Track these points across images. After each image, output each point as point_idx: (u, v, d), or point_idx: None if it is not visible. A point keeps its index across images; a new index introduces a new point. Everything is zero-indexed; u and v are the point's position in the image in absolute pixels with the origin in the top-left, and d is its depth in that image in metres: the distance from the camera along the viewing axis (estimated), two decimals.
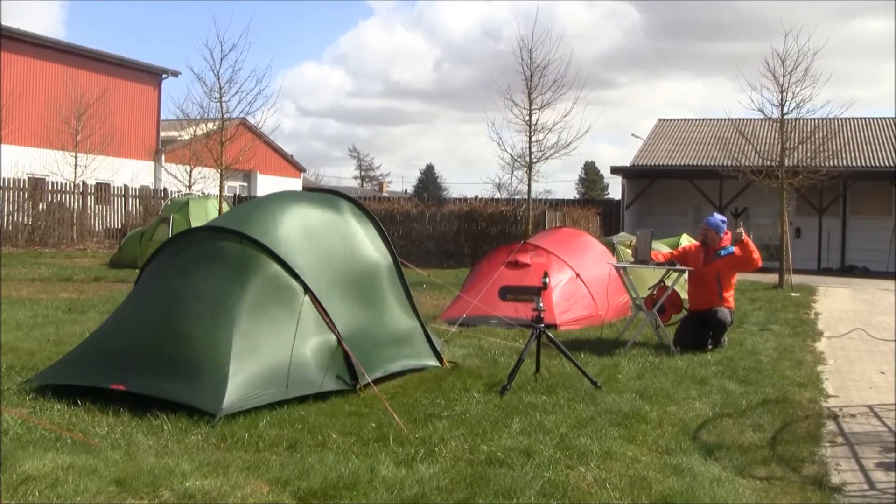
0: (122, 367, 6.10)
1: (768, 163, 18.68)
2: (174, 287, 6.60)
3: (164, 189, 30.79)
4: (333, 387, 6.34)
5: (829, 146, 19.60)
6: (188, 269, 6.69)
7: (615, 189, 76.30)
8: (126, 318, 6.75)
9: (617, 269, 10.10)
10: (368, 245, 7.54)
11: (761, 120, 20.77)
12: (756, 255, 9.23)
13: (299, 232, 7.05)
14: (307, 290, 6.56)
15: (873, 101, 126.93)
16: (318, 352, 6.42)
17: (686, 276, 9.60)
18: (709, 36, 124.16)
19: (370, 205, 26.73)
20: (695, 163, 28.68)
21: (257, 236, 6.69)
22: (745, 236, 9.28)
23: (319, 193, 7.90)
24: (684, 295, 9.92)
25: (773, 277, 18.74)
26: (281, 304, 6.46)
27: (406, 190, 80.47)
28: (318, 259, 6.98)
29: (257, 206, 7.60)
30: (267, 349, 6.19)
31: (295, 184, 43.51)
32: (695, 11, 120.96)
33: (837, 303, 16.00)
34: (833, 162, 20.27)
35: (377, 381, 6.53)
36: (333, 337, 6.52)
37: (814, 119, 19.13)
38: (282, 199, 7.52)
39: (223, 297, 6.34)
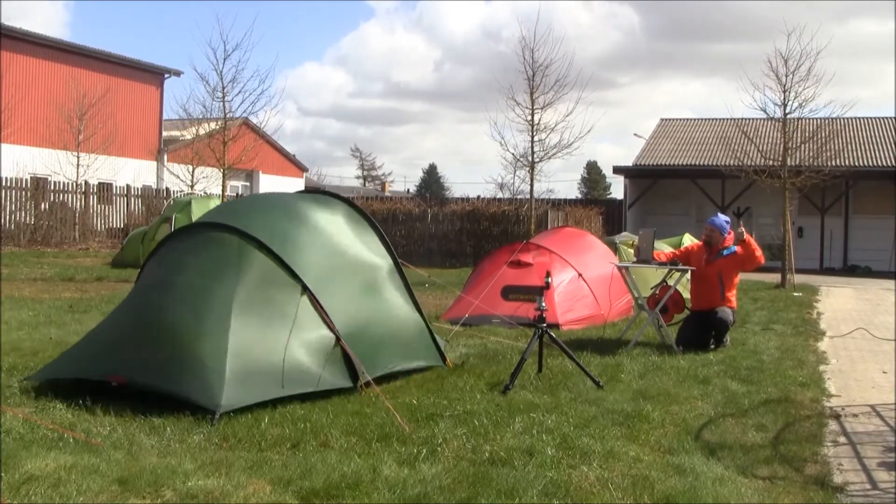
0: (122, 363, 6.12)
1: (771, 162, 18.66)
2: (172, 283, 6.61)
3: (167, 189, 30.81)
4: (333, 385, 6.33)
5: (832, 146, 19.59)
6: (186, 265, 6.71)
7: (617, 189, 76.37)
8: (125, 313, 6.77)
9: (619, 268, 10.09)
10: (368, 246, 7.52)
11: (763, 119, 20.77)
12: (758, 252, 9.24)
13: (297, 230, 7.06)
14: (305, 287, 6.56)
15: (870, 103, 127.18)
16: (317, 349, 6.41)
17: (688, 275, 9.60)
18: (707, 37, 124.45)
19: (372, 204, 26.76)
20: (697, 162, 28.69)
21: (255, 233, 6.70)
22: (746, 235, 9.28)
23: (317, 195, 7.90)
24: (687, 294, 9.91)
25: (775, 277, 18.73)
26: (278, 302, 6.46)
27: (408, 190, 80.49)
28: (317, 258, 6.98)
29: (255, 203, 7.60)
30: (265, 346, 6.19)
31: (297, 183, 43.55)
32: (692, 13, 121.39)
33: (840, 302, 15.98)
34: (835, 162, 20.26)
35: (379, 381, 6.53)
36: (332, 335, 6.52)
37: (816, 119, 19.12)
38: (279, 198, 7.54)
39: (221, 294, 6.34)
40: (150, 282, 6.89)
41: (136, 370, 6.01)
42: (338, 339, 6.50)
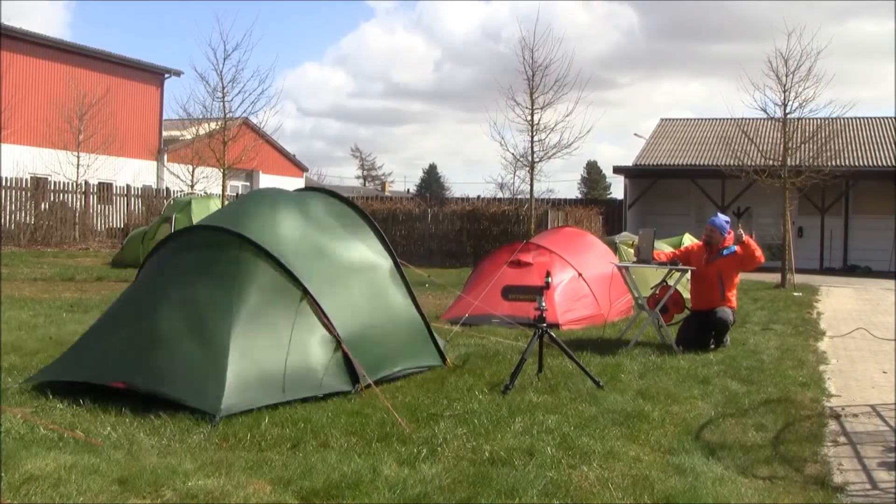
0: (122, 366, 6.10)
1: (771, 162, 18.67)
2: (172, 286, 6.60)
3: (167, 189, 30.81)
4: (334, 388, 6.32)
5: (832, 146, 19.59)
6: (186, 268, 6.69)
7: (617, 189, 76.36)
8: (125, 315, 6.74)
9: (619, 268, 10.09)
10: (367, 246, 7.52)
11: (764, 119, 20.78)
12: (758, 252, 9.24)
13: (297, 232, 7.04)
14: (305, 291, 6.55)
15: (870, 103, 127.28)
16: (318, 353, 6.40)
17: (689, 275, 9.60)
18: (706, 37, 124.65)
19: (372, 204, 26.77)
20: (697, 162, 28.70)
21: (255, 237, 6.67)
22: (745, 237, 9.28)
23: (315, 193, 7.88)
24: (687, 294, 9.91)
25: (775, 277, 18.73)
26: (279, 306, 6.44)
27: (408, 189, 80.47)
28: (317, 260, 6.97)
29: (254, 203, 7.55)
30: (265, 350, 6.18)
31: (297, 183, 43.50)
32: (691, 13, 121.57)
33: (840, 302, 15.98)
34: (836, 162, 20.26)
35: (379, 381, 6.53)
36: (333, 338, 6.50)
37: (816, 119, 19.12)
38: (278, 197, 7.49)
39: (221, 298, 6.32)
40: (149, 285, 6.86)
41: (136, 375, 5.98)
42: (339, 342, 6.49)
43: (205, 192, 23.57)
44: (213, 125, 20.42)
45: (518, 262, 11.17)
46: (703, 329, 9.29)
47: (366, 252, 7.46)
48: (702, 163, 28.32)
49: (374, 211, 23.42)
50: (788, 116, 18.22)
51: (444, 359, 7.65)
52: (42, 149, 28.45)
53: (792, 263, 18.88)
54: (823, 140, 18.68)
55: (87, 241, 26.71)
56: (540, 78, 18.52)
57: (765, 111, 18.76)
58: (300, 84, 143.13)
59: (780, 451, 5.46)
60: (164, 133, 36.40)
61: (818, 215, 27.08)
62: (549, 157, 19.09)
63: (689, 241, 14.41)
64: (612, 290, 10.95)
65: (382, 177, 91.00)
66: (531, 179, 19.35)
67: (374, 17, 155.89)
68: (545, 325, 7.28)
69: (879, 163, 27.05)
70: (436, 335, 7.87)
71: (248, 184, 40.37)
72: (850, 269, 26.54)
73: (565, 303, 10.79)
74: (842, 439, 5.89)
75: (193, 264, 6.72)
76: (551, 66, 18.60)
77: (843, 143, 25.23)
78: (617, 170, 31.40)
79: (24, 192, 25.91)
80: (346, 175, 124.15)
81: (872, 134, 29.62)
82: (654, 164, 29.55)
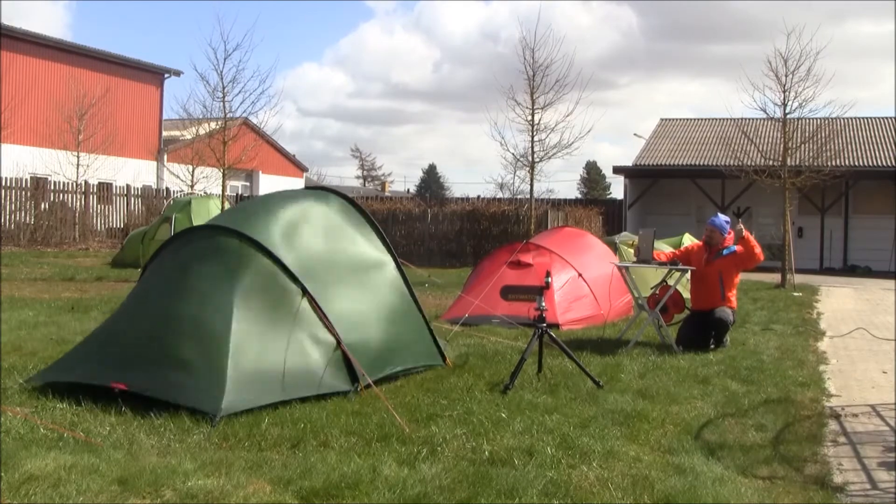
0: (123, 367, 6.10)
1: (771, 162, 18.67)
2: (173, 286, 6.59)
3: (167, 189, 30.81)
4: (333, 388, 6.32)
5: (832, 146, 19.59)
6: (187, 269, 6.68)
7: (617, 189, 76.41)
8: (126, 317, 6.75)
9: (619, 268, 10.09)
10: (368, 245, 7.52)
11: (763, 119, 20.78)
12: (757, 249, 9.24)
13: (298, 232, 7.03)
14: (305, 291, 6.54)
15: (869, 104, 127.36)
16: (318, 353, 6.40)
17: (688, 275, 9.60)
18: (706, 37, 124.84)
19: (372, 204, 26.75)
20: (697, 162, 28.68)
21: (256, 236, 6.67)
22: (745, 232, 9.30)
23: (318, 192, 7.87)
24: (687, 294, 9.91)
25: (775, 277, 18.73)
26: (279, 306, 6.44)
27: (408, 189, 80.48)
28: (318, 259, 6.96)
29: (257, 205, 7.57)
30: (266, 350, 6.18)
31: (297, 183, 43.50)
32: (690, 14, 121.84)
33: (840, 302, 15.98)
34: (836, 162, 20.25)
35: (379, 381, 6.53)
36: (333, 338, 6.50)
37: (816, 119, 19.12)
38: (281, 197, 7.49)
39: (222, 298, 6.32)
40: (152, 287, 6.86)
41: (137, 376, 5.98)
42: (338, 342, 6.49)
43: (205, 192, 23.54)
44: (213, 125, 20.41)
45: (518, 263, 11.17)
46: (703, 329, 9.28)
47: (367, 251, 7.46)
48: (702, 163, 28.31)
49: (374, 211, 23.37)
50: (788, 116, 18.21)
51: (444, 358, 7.66)
52: (42, 149, 28.46)
53: (792, 263, 18.87)
54: (823, 140, 18.68)
55: (87, 241, 26.71)
56: (540, 78, 18.48)
57: (764, 111, 18.78)
58: (300, 84, 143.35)
59: (780, 451, 5.46)
60: (164, 133, 36.41)
61: (818, 215, 27.08)
62: (549, 157, 19.04)
63: (689, 241, 14.41)
64: (612, 290, 10.95)
65: (382, 177, 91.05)
66: (531, 179, 19.33)
67: (373, 18, 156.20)
68: (545, 325, 7.28)
69: (879, 163, 27.03)
70: (436, 335, 7.87)
71: (247, 184, 40.38)
72: (850, 269, 26.54)
73: (565, 303, 10.79)
74: (842, 439, 5.90)
75: (194, 264, 6.71)
76: (552, 66, 18.58)
77: (842, 143, 25.23)
78: (617, 170, 31.41)
79: (24, 192, 25.91)
80: (345, 175, 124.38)
81: (872, 134, 29.61)
82: (654, 164, 29.54)
